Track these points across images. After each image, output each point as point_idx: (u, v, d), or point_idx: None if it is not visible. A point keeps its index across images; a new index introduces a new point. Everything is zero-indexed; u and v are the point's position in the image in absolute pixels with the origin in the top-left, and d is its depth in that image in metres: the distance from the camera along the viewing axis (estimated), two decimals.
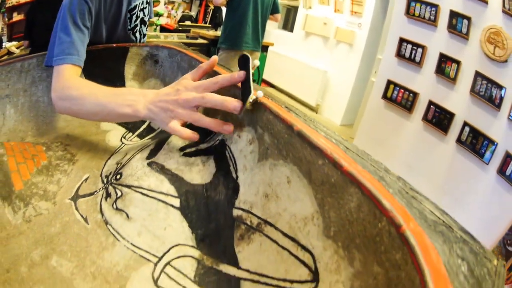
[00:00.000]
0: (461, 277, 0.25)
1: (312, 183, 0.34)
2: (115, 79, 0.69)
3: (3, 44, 1.78)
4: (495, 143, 1.59)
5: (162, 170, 0.49)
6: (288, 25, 4.85)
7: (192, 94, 0.47)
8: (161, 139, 0.55)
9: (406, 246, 0.25)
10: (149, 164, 0.50)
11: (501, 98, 1.55)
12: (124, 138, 0.61)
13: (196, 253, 0.41)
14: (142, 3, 0.81)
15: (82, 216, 0.48)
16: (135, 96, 0.50)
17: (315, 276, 0.32)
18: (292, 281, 0.33)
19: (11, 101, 0.72)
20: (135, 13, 0.79)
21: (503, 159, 1.53)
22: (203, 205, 0.44)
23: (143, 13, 0.83)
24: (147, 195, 0.47)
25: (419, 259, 0.24)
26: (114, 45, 0.70)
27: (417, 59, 1.60)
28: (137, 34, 0.81)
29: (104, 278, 0.42)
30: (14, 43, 1.81)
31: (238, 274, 0.36)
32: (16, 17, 3.50)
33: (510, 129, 1.50)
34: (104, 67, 0.69)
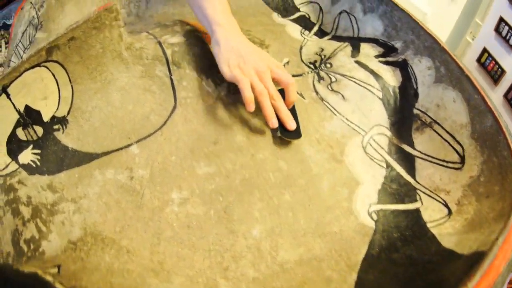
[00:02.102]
0: None
1: (469, 106, 0.49)
2: None
3: None
4: None
5: (367, 68, 0.59)
6: None
7: (284, 73, 0.51)
8: (354, 44, 0.63)
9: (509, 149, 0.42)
10: (356, 62, 0.59)
11: None
12: (303, 34, 0.66)
13: (389, 133, 0.54)
14: None
15: (297, 92, 0.56)
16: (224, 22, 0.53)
17: (462, 160, 0.48)
18: (447, 161, 0.49)
19: None
20: None
21: None
22: (394, 100, 0.57)
23: None
24: (359, 84, 0.57)
25: None
26: None
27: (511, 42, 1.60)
28: None
29: (327, 143, 0.53)
30: None
31: (413, 153, 0.52)
32: None
33: None
34: None
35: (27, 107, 0.48)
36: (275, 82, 0.51)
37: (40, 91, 0.49)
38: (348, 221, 0.46)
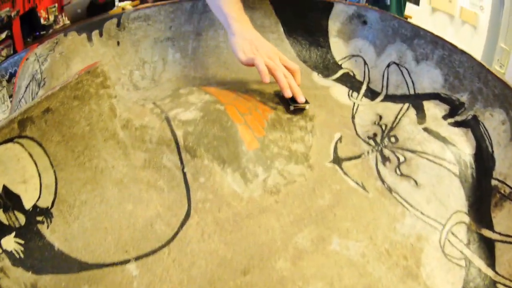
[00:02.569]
0: None
1: None
2: (318, 33, 0.64)
3: (116, 3, 1.64)
4: None
5: (439, 136, 0.45)
6: None
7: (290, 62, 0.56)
8: (416, 104, 0.49)
9: None
10: (424, 129, 0.45)
11: None
12: (351, 96, 0.54)
13: (467, 219, 0.42)
14: None
15: (356, 182, 0.41)
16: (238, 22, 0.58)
17: None
18: None
19: (175, 45, 0.64)
20: None
21: None
22: (471, 174, 0.44)
23: None
24: (433, 162, 0.44)
25: None
26: None
27: None
28: None
29: (400, 254, 0.38)
30: (128, 1, 1.68)
31: (493, 236, 0.40)
32: None
33: None
34: (306, 18, 0.63)
35: (5, 188, 0.38)
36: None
37: (18, 173, 0.39)
38: None
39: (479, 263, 0.39)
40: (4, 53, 1.17)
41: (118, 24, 0.61)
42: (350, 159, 0.45)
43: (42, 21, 1.36)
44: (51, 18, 1.41)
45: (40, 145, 0.39)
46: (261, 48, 0.56)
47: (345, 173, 0.43)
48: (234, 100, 0.50)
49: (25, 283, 0.38)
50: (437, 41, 0.51)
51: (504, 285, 0.38)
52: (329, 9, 0.62)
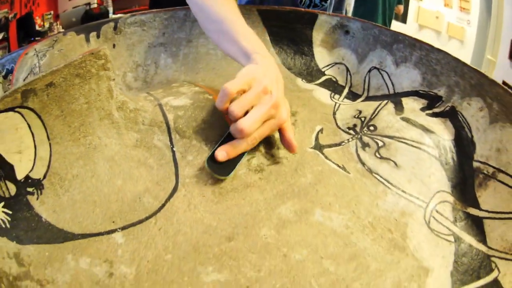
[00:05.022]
0: None
1: None
2: (302, 42, 0.69)
3: (110, 14, 1.71)
4: None
5: (416, 124, 0.50)
6: (400, 16, 5.00)
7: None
8: (395, 101, 0.54)
9: None
10: (402, 119, 0.49)
11: None
12: (333, 98, 0.58)
13: (451, 198, 0.45)
14: None
15: (337, 164, 0.44)
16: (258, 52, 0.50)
17: None
18: None
19: (167, 50, 0.68)
20: None
21: None
22: (452, 157, 0.48)
23: None
24: (412, 145, 0.48)
25: None
26: (303, 9, 0.69)
27: None
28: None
29: (384, 227, 0.41)
30: (121, 14, 1.77)
31: (480, 214, 0.44)
32: None
33: None
34: (291, 29, 0.69)
35: (0, 157, 0.40)
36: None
37: (14, 143, 0.41)
38: None
39: (469, 239, 0.43)
40: None
41: (115, 28, 0.65)
42: (330, 146, 0.49)
43: (37, 27, 1.41)
44: (46, 25, 1.46)
45: (39, 117, 0.41)
46: (274, 90, 0.45)
47: (326, 157, 0.47)
48: None
49: (8, 252, 0.39)
50: (414, 44, 0.57)
51: (499, 257, 0.41)
52: (313, 20, 0.68)
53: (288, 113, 0.47)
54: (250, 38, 0.51)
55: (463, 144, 0.49)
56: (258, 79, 0.44)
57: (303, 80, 0.64)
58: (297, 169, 0.45)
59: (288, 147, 0.45)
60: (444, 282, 0.39)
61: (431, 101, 0.53)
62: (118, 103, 0.45)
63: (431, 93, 0.53)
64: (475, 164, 0.47)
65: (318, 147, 0.48)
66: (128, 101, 0.46)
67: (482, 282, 0.40)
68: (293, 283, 0.34)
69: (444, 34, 3.85)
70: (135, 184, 0.42)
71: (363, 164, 0.46)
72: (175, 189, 0.42)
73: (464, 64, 0.51)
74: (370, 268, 0.36)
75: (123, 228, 0.39)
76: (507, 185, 0.44)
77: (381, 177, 0.45)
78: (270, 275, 0.35)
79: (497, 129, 0.46)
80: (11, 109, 0.40)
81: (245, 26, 0.54)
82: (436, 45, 0.56)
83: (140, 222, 0.39)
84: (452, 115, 0.51)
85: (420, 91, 0.54)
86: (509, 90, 0.47)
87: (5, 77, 0.66)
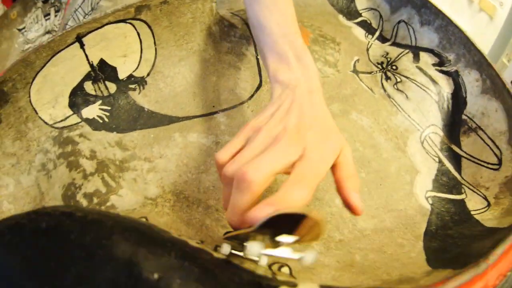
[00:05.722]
0: None
1: (508, 116, 0.57)
2: None
3: None
4: None
5: (426, 74, 0.67)
6: None
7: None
8: (414, 51, 0.72)
9: None
10: (417, 67, 0.68)
11: None
12: (367, 37, 0.74)
13: (441, 133, 0.63)
14: None
15: (367, 86, 0.62)
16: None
17: (499, 162, 0.56)
18: (487, 163, 0.57)
19: None
20: None
21: None
22: (447, 105, 0.65)
23: None
24: (420, 87, 0.66)
25: None
26: None
27: None
28: None
29: (393, 134, 0.61)
30: None
31: (460, 153, 0.60)
32: None
33: None
34: None
35: (102, 61, 0.50)
36: None
37: (120, 48, 0.50)
38: (410, 202, 0.53)
39: (449, 165, 0.58)
40: None
41: None
42: (363, 73, 0.66)
43: None
44: None
45: (149, 27, 0.52)
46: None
47: (360, 80, 0.65)
48: None
49: (109, 142, 0.46)
50: (438, 14, 0.71)
51: (468, 188, 0.55)
52: None
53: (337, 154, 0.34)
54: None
55: (458, 99, 0.64)
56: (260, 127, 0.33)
57: (344, 17, 0.79)
58: (341, 83, 0.63)
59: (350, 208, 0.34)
60: (427, 184, 0.56)
61: (442, 61, 0.69)
62: (216, 20, 0.60)
63: (443, 55, 0.69)
64: (464, 117, 0.62)
65: (356, 71, 0.66)
66: (224, 19, 0.61)
67: (452, 196, 0.54)
68: None
69: (476, 5, 3.73)
70: (227, 80, 0.58)
71: (385, 90, 0.65)
72: (259, 85, 0.58)
73: (473, 43, 0.65)
74: (383, 156, 0.56)
75: (223, 110, 0.56)
76: (483, 140, 0.58)
77: (395, 102, 0.64)
78: None
79: (485, 99, 0.61)
80: (123, 20, 0.48)
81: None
82: (466, 12, 0.70)
83: (236, 106, 0.56)
84: (455, 76, 0.66)
85: (435, 51, 0.70)
86: (500, 75, 0.60)
87: (45, 1, 0.73)
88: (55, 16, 1.01)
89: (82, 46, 0.47)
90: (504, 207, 0.50)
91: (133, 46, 0.52)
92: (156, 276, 0.20)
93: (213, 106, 0.56)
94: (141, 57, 0.53)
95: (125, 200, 0.44)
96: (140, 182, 0.46)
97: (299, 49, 0.41)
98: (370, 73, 0.67)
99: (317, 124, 0.34)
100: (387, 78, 0.66)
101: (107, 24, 0.47)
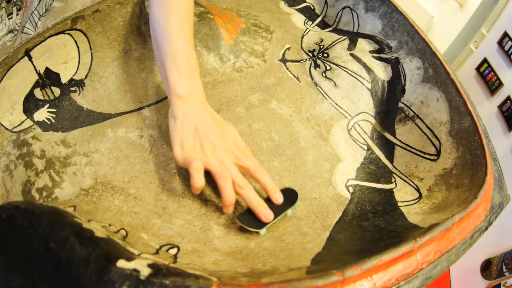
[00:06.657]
0: None
1: (450, 106, 0.57)
2: None
3: None
4: None
5: (360, 61, 0.68)
6: None
7: (249, 160, 0.49)
8: (352, 38, 0.72)
9: (482, 149, 0.50)
10: (351, 54, 0.69)
11: None
12: (306, 23, 0.75)
13: (373, 121, 0.63)
14: None
15: (293, 75, 0.64)
16: (190, 82, 0.51)
17: (438, 153, 0.56)
18: (424, 153, 0.58)
19: None
20: None
21: None
22: (382, 93, 0.66)
23: None
24: (351, 75, 0.67)
25: (486, 153, 0.49)
26: None
27: None
28: None
29: (315, 122, 0.62)
30: None
31: (394, 141, 0.60)
32: None
33: None
34: None
35: (47, 69, 0.54)
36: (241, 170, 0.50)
37: (62, 56, 0.55)
38: (327, 190, 0.55)
39: (379, 153, 0.59)
40: None
41: None
42: (292, 61, 0.68)
43: None
44: None
45: (85, 34, 0.56)
46: (206, 141, 0.47)
47: (287, 68, 0.67)
48: (219, 12, 0.71)
49: (55, 141, 0.51)
50: (384, 0, 0.72)
51: (399, 177, 0.56)
52: None
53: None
54: (182, 69, 0.50)
55: (395, 87, 0.64)
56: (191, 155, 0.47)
57: (286, 4, 0.80)
58: (265, 73, 0.66)
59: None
60: (350, 172, 0.56)
61: (382, 48, 0.69)
62: (145, 20, 0.62)
63: (384, 42, 0.70)
64: (401, 105, 0.62)
65: (283, 60, 0.68)
66: None
67: (379, 186, 0.54)
68: (252, 142, 0.57)
69: None
70: (155, 76, 0.62)
71: (312, 78, 0.67)
72: None
73: (417, 30, 0.65)
74: (300, 144, 0.59)
75: (149, 106, 0.59)
76: (421, 129, 0.58)
77: (322, 90, 0.65)
78: (240, 135, 0.54)
79: (426, 87, 0.61)
80: (62, 32, 0.53)
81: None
82: None
83: (161, 100, 0.59)
84: (394, 64, 0.66)
85: (377, 37, 0.71)
86: (445, 64, 0.59)
87: (8, 1, 0.76)
88: (17, 15, 1.05)
89: (30, 58, 0.52)
90: (435, 202, 0.50)
91: (72, 53, 0.56)
92: (55, 246, 0.32)
93: (141, 102, 0.60)
94: (79, 62, 0.57)
95: (65, 192, 0.49)
96: (79, 175, 0.51)
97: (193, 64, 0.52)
98: (299, 61, 0.69)
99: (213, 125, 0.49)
100: (316, 66, 0.68)
101: (49, 37, 0.52)
